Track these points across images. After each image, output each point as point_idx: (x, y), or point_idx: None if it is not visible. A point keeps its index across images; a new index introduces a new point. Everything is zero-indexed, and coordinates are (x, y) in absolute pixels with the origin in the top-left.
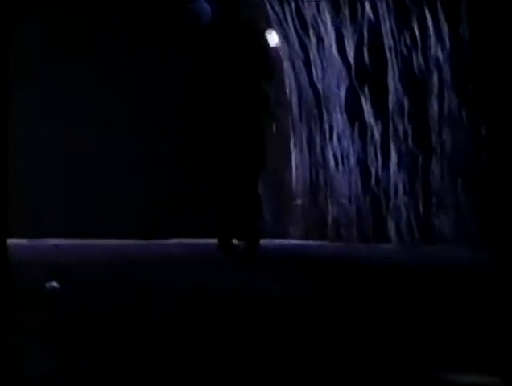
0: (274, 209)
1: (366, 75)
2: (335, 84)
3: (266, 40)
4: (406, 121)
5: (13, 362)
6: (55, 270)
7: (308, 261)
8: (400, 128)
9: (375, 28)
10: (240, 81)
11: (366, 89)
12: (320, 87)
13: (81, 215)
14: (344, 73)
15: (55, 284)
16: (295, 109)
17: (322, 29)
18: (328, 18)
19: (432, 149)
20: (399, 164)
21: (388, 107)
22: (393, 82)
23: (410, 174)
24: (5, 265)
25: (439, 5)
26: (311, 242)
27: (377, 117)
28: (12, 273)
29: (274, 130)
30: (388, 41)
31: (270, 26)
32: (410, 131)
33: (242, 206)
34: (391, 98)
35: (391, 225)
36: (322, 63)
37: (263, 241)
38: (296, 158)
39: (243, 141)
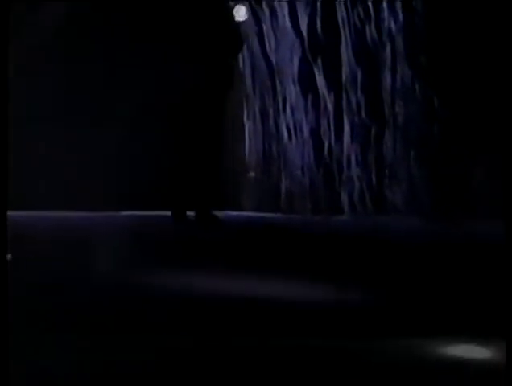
0: (226, 180)
1: (319, 46)
2: (288, 55)
3: (230, 13)
4: (359, 92)
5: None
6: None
7: (266, 233)
8: (353, 99)
9: None
10: (206, 60)
11: (319, 61)
12: (273, 58)
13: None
14: (297, 45)
15: (9, 256)
16: (249, 81)
17: (275, 0)
18: None
19: (385, 121)
20: (352, 136)
21: (341, 78)
22: (346, 54)
23: (363, 146)
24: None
25: None
26: (264, 214)
27: (330, 88)
28: None
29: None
30: (341, 13)
31: None
32: (363, 103)
33: (197, 179)
34: (344, 70)
35: (344, 197)
36: (275, 34)
37: (216, 213)
38: (249, 130)
39: (203, 121)
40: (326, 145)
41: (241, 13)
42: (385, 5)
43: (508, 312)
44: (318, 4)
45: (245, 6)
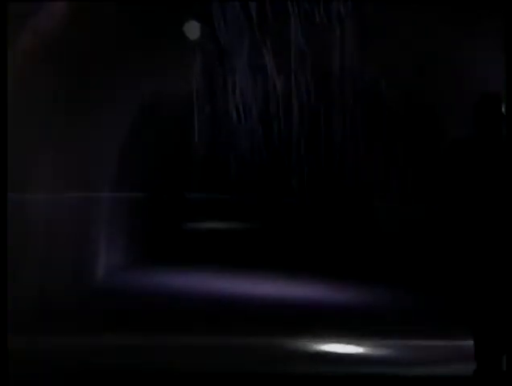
0: (176, 163)
1: (269, 29)
2: (237, 38)
3: None
4: (308, 75)
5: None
6: None
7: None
8: (302, 82)
9: None
10: None
11: (269, 43)
12: (222, 41)
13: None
14: (246, 27)
15: None
16: (198, 64)
17: None
18: None
19: (334, 103)
20: (301, 118)
21: (290, 61)
22: (295, 36)
23: (312, 128)
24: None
25: None
26: (212, 195)
27: (279, 70)
28: None
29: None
30: None
31: None
32: (312, 85)
33: None
34: (294, 52)
35: (293, 178)
36: (224, 17)
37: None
38: (199, 113)
39: None
40: (275, 127)
41: (194, 30)
42: None
43: (508, 312)
44: None
45: (198, 23)
